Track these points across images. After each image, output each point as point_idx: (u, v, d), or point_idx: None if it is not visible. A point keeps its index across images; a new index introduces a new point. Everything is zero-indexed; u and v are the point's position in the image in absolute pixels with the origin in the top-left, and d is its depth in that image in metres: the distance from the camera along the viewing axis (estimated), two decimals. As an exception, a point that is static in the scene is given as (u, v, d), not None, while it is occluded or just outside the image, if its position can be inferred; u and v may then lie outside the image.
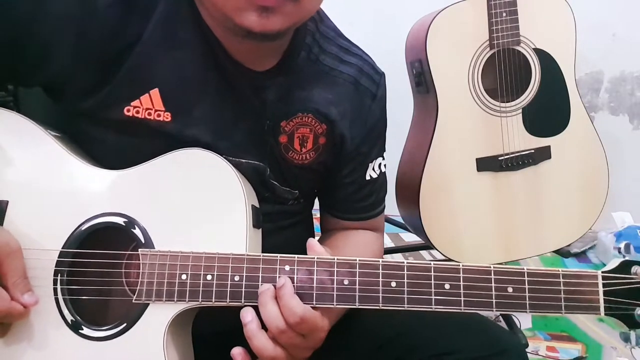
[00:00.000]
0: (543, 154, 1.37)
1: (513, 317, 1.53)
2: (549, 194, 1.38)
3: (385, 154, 0.88)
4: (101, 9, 0.65)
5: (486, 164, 1.34)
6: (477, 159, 1.33)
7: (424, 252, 1.97)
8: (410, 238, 2.00)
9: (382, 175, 0.87)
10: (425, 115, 1.38)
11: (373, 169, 0.84)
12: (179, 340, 0.65)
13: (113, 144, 0.70)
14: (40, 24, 0.64)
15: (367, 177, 0.84)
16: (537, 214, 1.38)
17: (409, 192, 1.35)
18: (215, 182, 0.66)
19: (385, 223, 0.95)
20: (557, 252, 1.63)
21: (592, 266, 1.88)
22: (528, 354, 0.80)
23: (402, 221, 1.52)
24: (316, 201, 0.91)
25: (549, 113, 1.37)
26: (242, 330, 0.63)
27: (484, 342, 0.73)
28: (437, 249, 1.33)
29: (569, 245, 1.55)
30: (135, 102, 0.68)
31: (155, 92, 0.68)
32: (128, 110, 0.68)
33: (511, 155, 1.34)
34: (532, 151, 1.36)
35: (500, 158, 1.34)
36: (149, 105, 0.68)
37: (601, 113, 2.00)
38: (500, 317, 1.53)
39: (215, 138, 0.71)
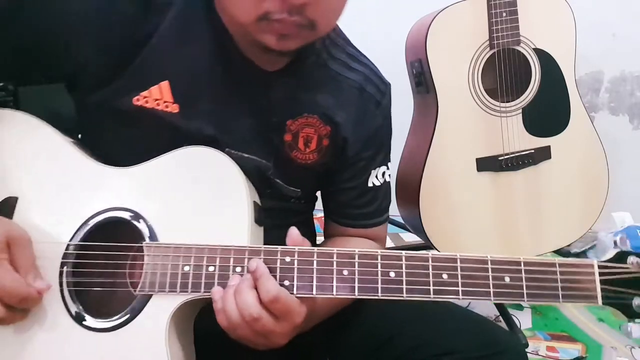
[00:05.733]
0: (543, 154, 1.37)
1: (513, 317, 1.53)
2: (549, 194, 1.38)
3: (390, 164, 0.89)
4: (121, 4, 0.69)
5: (486, 164, 1.34)
6: (477, 159, 1.34)
7: (423, 252, 1.96)
8: (410, 238, 2.00)
9: (386, 185, 0.87)
10: (425, 115, 1.38)
11: (376, 176, 0.85)
12: (181, 334, 0.66)
13: (122, 133, 0.72)
14: (65, 19, 0.68)
15: (370, 184, 0.84)
16: (537, 214, 1.38)
17: (409, 192, 1.35)
18: (218, 178, 0.68)
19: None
20: (557, 252, 1.63)
21: (592, 266, 1.88)
22: (528, 354, 0.80)
23: (402, 221, 1.52)
24: (318, 202, 0.92)
25: (549, 113, 1.37)
26: None
27: (483, 342, 0.74)
28: (436, 249, 1.33)
29: (569, 246, 1.55)
30: (145, 93, 0.70)
31: (165, 84, 0.71)
32: (137, 100, 0.70)
33: (511, 155, 1.34)
34: (532, 151, 1.36)
35: (500, 158, 1.34)
36: (158, 96, 0.71)
37: (601, 113, 2.00)
38: (500, 317, 1.53)
39: (219, 131, 0.73)
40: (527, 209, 1.37)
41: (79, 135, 0.77)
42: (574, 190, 1.39)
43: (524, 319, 1.59)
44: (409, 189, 1.36)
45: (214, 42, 0.72)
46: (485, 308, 1.59)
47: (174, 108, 0.71)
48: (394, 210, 1.47)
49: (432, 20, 1.29)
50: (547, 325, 1.57)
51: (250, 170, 0.73)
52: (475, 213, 1.34)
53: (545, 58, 1.34)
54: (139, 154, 0.70)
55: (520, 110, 1.34)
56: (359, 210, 0.86)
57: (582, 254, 1.97)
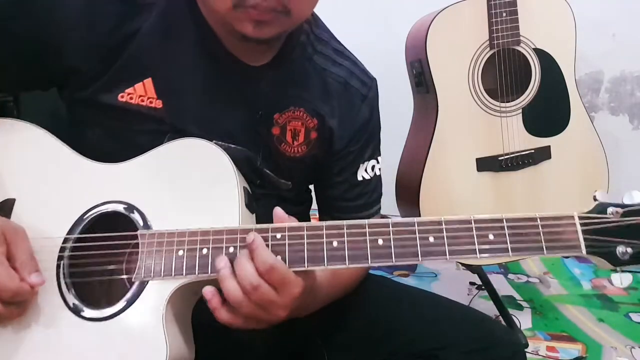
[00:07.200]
0: (543, 154, 1.37)
1: (513, 317, 1.53)
2: (549, 194, 1.38)
3: (384, 155, 0.89)
4: (102, 6, 0.71)
5: (486, 164, 1.34)
6: (477, 159, 1.34)
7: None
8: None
9: (376, 178, 0.88)
10: (425, 115, 1.38)
11: (365, 170, 0.86)
12: (180, 321, 0.67)
13: (109, 127, 0.74)
14: (53, 27, 0.70)
15: (359, 178, 0.85)
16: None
17: (409, 192, 1.35)
18: (207, 166, 0.69)
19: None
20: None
21: (592, 266, 1.88)
22: (528, 354, 0.81)
23: (402, 221, 1.52)
24: (315, 203, 0.92)
25: (549, 113, 1.37)
26: None
27: (479, 336, 0.74)
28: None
29: (569, 245, 1.55)
30: (130, 90, 0.72)
31: (148, 81, 0.73)
32: (122, 97, 0.72)
33: (511, 156, 1.34)
34: (532, 151, 1.36)
35: (500, 158, 1.34)
36: (142, 93, 0.73)
37: (601, 113, 2.00)
38: (500, 317, 1.53)
39: (203, 123, 0.74)
40: (526, 209, 1.37)
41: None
42: (574, 190, 1.39)
43: (524, 319, 1.59)
44: (409, 189, 1.36)
45: (197, 38, 0.74)
46: (485, 309, 1.59)
47: (158, 104, 0.73)
48: (394, 210, 1.48)
49: (432, 20, 1.29)
50: (547, 325, 1.57)
51: (241, 160, 0.74)
52: (475, 213, 1.34)
53: (545, 58, 1.34)
54: (128, 149, 0.71)
55: (520, 110, 1.34)
56: (349, 203, 0.86)
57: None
